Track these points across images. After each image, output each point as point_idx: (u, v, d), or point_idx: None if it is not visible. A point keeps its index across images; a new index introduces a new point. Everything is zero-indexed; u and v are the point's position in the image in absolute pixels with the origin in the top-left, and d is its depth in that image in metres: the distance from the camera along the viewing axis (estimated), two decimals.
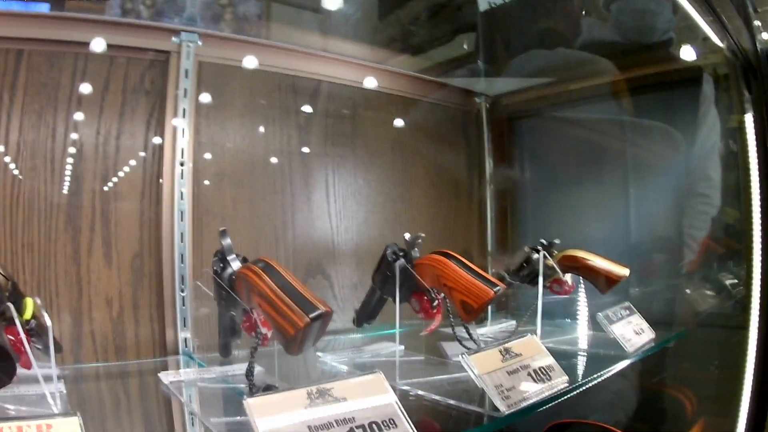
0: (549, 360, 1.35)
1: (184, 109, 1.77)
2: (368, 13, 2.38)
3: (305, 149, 2.06)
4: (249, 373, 1.12)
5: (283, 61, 2.03)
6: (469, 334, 1.48)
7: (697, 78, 2.14)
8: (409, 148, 2.33)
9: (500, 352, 1.26)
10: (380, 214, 2.23)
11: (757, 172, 1.96)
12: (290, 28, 2.16)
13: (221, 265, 1.25)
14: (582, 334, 1.95)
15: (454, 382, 1.37)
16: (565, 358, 1.54)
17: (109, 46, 1.72)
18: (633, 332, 1.73)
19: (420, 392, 1.32)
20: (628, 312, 1.81)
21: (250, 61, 1.93)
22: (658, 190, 2.20)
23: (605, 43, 2.24)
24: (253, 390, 1.10)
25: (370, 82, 2.22)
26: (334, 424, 0.87)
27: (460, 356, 1.21)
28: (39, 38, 1.65)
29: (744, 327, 1.96)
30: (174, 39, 1.79)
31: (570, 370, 1.41)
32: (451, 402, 1.27)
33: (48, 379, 1.13)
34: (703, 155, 2.17)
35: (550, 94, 2.46)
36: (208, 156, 1.86)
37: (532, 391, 1.23)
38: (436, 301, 1.44)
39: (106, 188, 1.69)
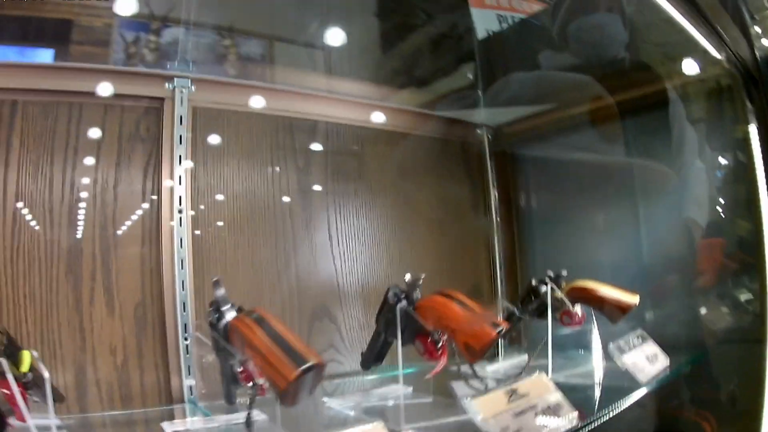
0: (557, 397, 1.33)
1: (180, 156, 1.77)
2: (370, 47, 2.41)
3: (306, 191, 2.06)
4: (248, 423, 1.13)
5: (279, 103, 2.03)
6: (475, 374, 1.47)
7: (698, 92, 2.15)
8: (412, 185, 2.31)
9: (506, 393, 1.25)
10: (385, 254, 2.22)
11: (764, 183, 1.94)
12: (290, 68, 2.19)
13: (216, 315, 1.23)
14: (595, 365, 1.88)
15: (462, 424, 1.32)
16: (576, 393, 1.51)
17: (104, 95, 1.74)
18: (646, 360, 1.71)
19: None
20: (640, 340, 1.78)
21: (245, 105, 1.94)
22: (667, 209, 2.18)
23: (603, 63, 2.26)
24: None
25: (371, 120, 2.22)
26: None
27: (464, 400, 1.20)
28: (33, 89, 1.67)
29: (761, 341, 1.94)
30: (167, 85, 1.79)
31: (581, 404, 1.39)
32: None
33: (47, 430, 1.16)
34: (710, 170, 2.18)
35: (553, 121, 2.43)
36: (206, 203, 1.85)
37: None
38: (440, 343, 1.41)
39: (105, 237, 1.69)
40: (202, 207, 1.84)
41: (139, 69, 1.85)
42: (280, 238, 1.98)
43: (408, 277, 1.46)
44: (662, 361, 1.77)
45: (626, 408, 1.52)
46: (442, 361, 1.42)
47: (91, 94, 1.73)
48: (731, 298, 2.17)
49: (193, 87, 1.82)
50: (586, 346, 1.91)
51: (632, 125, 2.24)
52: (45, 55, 1.81)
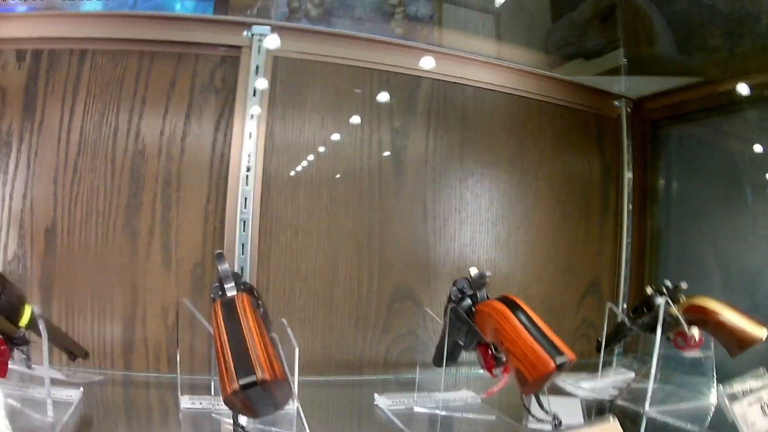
0: None
1: (252, 111, 1.73)
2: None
3: (400, 156, 1.95)
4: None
5: (373, 54, 1.93)
6: (540, 404, 1.24)
7: None
8: (530, 159, 2.15)
9: None
10: (490, 235, 2.07)
11: None
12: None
13: (219, 292, 1.14)
14: (704, 405, 1.62)
15: None
16: None
17: (177, 42, 1.73)
18: (761, 412, 1.41)
19: None
20: (759, 383, 1.46)
21: (333, 55, 1.86)
22: None
23: None
24: None
25: (484, 80, 2.07)
26: None
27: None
28: (102, 37, 1.69)
29: None
30: (246, 33, 1.74)
31: None
32: None
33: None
34: None
35: (706, 96, 2.16)
36: (282, 161, 1.80)
37: None
38: (503, 358, 1.23)
39: (168, 192, 1.70)
40: (276, 166, 1.79)
41: (216, 16, 1.82)
42: (365, 207, 1.89)
43: (473, 271, 1.31)
44: None
45: None
46: (504, 380, 1.25)
47: (164, 43, 1.73)
48: None
49: (275, 35, 1.75)
50: (701, 378, 1.68)
51: None
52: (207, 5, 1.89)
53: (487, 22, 2.29)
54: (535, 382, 1.09)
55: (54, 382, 1.28)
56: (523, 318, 1.14)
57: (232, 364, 0.88)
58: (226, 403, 0.90)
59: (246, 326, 0.96)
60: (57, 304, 1.61)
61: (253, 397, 0.89)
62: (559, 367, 1.06)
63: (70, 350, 1.41)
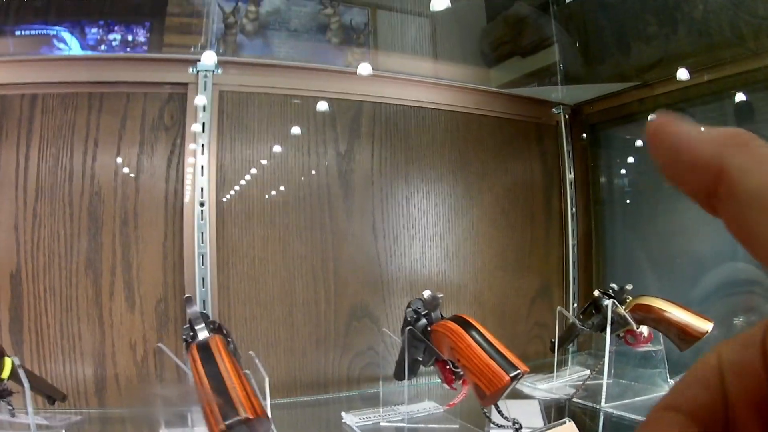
0: None
1: (202, 144, 1.80)
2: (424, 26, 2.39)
3: (347, 179, 2.04)
4: None
5: (317, 83, 2.03)
6: (500, 412, 1.33)
7: None
8: (473, 171, 2.25)
9: None
10: (439, 249, 2.17)
11: None
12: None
13: (191, 333, 1.23)
14: (659, 397, 1.72)
15: None
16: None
17: (125, 83, 1.80)
18: None
19: None
20: None
21: (277, 86, 1.96)
22: None
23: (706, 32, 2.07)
24: None
25: (425, 99, 2.17)
26: None
27: None
28: (51, 81, 1.76)
29: None
30: (191, 69, 1.82)
31: None
32: None
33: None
34: None
35: (642, 99, 2.27)
36: (234, 194, 1.88)
37: None
38: (461, 372, 1.34)
39: (126, 231, 1.77)
40: (228, 198, 1.87)
41: (162, 55, 1.90)
42: (317, 231, 1.98)
43: (427, 294, 1.42)
44: None
45: None
46: (463, 392, 1.39)
47: (113, 83, 1.80)
48: None
49: (219, 70, 1.84)
50: (654, 371, 1.84)
51: (742, 106, 2.06)
52: (140, 29, 1.96)
53: (422, 26, 2.37)
54: (492, 395, 1.18)
55: (37, 427, 1.35)
56: (476, 335, 1.25)
57: (216, 406, 0.96)
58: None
59: (223, 368, 1.04)
60: (28, 348, 1.68)
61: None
62: (513, 379, 1.16)
63: (49, 394, 1.48)
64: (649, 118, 0.27)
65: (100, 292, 1.75)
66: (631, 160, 2.46)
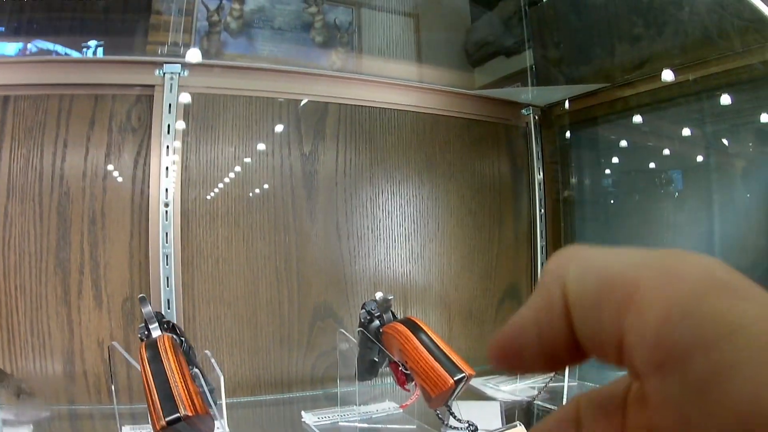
0: None
1: (167, 146, 1.90)
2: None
3: (311, 180, 2.13)
4: None
5: (282, 84, 2.12)
6: (451, 414, 1.44)
7: None
8: (440, 173, 2.34)
9: None
10: (404, 249, 2.27)
11: None
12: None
13: (146, 332, 1.30)
14: None
15: None
16: None
17: (94, 84, 1.90)
18: None
19: None
20: None
21: (243, 88, 2.06)
22: (750, 207, 2.11)
23: (674, 35, 2.15)
24: None
25: (391, 101, 2.27)
26: None
27: None
28: (23, 83, 1.86)
29: None
30: (157, 72, 1.92)
31: None
32: None
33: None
34: None
35: (611, 101, 2.36)
36: (199, 194, 1.97)
37: None
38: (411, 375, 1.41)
39: (94, 230, 1.87)
40: (193, 199, 1.97)
41: (130, 57, 1.99)
42: (281, 231, 2.08)
43: (378, 295, 1.50)
44: None
45: None
46: (417, 393, 1.45)
47: (82, 86, 1.89)
48: None
49: (185, 72, 1.93)
50: (619, 373, 1.88)
51: (709, 107, 2.16)
52: (123, 26, 2.06)
53: (407, 25, 2.47)
54: (438, 397, 1.28)
55: (5, 422, 1.44)
56: (425, 338, 1.34)
57: (158, 402, 1.04)
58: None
59: (168, 366, 1.12)
60: None
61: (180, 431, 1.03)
62: (458, 383, 1.25)
63: (17, 388, 1.55)
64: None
65: (68, 291, 1.85)
66: (601, 161, 2.55)
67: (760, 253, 2.06)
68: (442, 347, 1.33)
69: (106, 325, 1.88)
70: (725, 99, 2.07)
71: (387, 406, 1.83)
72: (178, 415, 1.02)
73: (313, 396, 2.06)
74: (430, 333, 1.36)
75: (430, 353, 1.31)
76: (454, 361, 1.29)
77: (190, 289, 1.96)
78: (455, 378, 1.25)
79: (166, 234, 1.91)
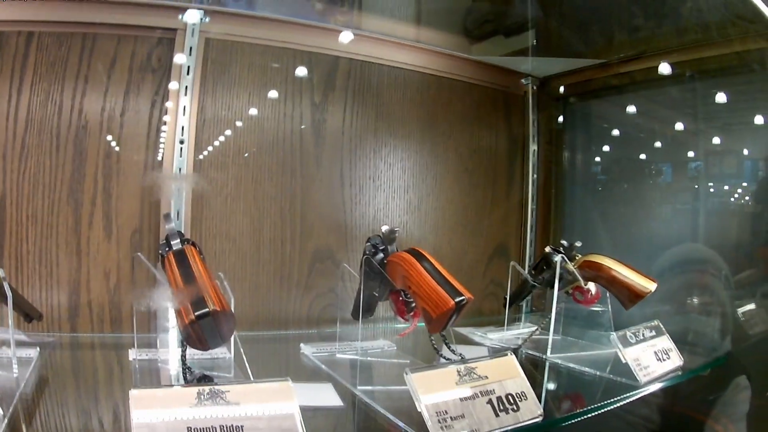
0: (522, 386, 1.30)
1: (186, 87, 1.96)
2: None
3: (319, 128, 2.22)
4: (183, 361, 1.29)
5: (296, 36, 2.19)
6: (447, 345, 1.51)
7: None
8: (440, 131, 2.44)
9: (458, 372, 1.25)
10: (402, 201, 2.37)
11: None
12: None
13: (167, 248, 1.33)
14: (602, 352, 1.82)
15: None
16: (563, 381, 1.65)
17: (117, 25, 1.93)
18: (654, 358, 1.66)
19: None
20: (653, 333, 1.73)
21: (259, 37, 2.13)
22: (736, 190, 2.20)
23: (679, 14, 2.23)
24: (188, 378, 1.27)
25: (399, 60, 2.35)
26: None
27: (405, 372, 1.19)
28: (48, 20, 1.89)
29: None
30: (180, 16, 1.97)
31: (560, 398, 1.50)
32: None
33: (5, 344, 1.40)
34: None
35: (611, 76, 2.44)
36: (212, 134, 2.04)
37: (487, 421, 1.20)
38: (413, 303, 1.49)
39: (108, 164, 1.92)
40: (207, 138, 2.03)
41: (154, 0, 2.01)
42: (287, 175, 2.16)
43: (384, 228, 1.54)
44: (674, 361, 1.72)
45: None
46: (414, 323, 1.52)
47: (106, 25, 1.93)
48: None
49: (207, 18, 2.00)
50: (600, 330, 1.93)
51: (707, 88, 2.20)
52: None
53: None
54: (438, 318, 1.32)
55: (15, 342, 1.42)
56: (428, 265, 1.40)
57: (187, 299, 1.09)
58: (182, 335, 1.11)
59: (196, 269, 1.20)
60: (7, 272, 1.72)
61: (205, 327, 1.08)
62: (458, 305, 1.29)
63: (27, 312, 1.57)
64: None
65: (80, 221, 1.90)
66: (593, 132, 2.65)
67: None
68: (444, 274, 1.38)
69: (114, 256, 1.95)
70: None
71: (382, 344, 1.90)
72: (207, 309, 1.07)
73: (308, 334, 2.13)
74: (433, 261, 1.42)
75: (432, 278, 1.36)
76: (456, 286, 1.34)
77: (199, 223, 2.04)
78: (456, 300, 1.29)
79: (180, 170, 1.97)
